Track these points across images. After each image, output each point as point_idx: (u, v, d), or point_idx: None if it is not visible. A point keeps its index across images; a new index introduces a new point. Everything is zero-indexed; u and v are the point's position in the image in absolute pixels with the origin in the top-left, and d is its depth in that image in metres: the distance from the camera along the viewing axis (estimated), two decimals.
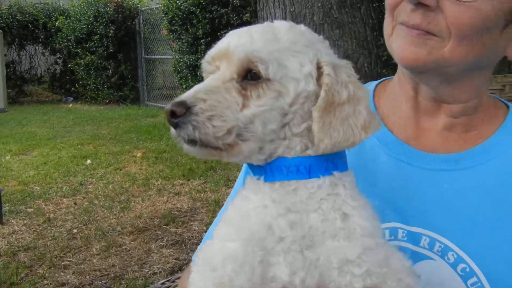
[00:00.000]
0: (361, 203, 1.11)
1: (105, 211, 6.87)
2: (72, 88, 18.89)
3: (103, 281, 5.01)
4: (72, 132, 12.59)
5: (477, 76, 1.42)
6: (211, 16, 11.89)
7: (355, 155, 1.27)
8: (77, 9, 17.60)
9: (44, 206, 7.08)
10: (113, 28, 16.54)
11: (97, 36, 16.70)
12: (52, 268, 5.28)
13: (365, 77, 4.15)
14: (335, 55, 1.18)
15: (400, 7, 1.37)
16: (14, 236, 6.10)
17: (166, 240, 5.91)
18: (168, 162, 9.18)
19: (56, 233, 6.17)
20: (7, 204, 7.09)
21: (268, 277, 1.06)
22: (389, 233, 1.41)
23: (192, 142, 1.07)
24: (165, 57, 16.62)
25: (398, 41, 1.37)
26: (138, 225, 6.34)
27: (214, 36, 11.50)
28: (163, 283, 2.07)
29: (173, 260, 5.43)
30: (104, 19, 16.59)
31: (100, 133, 12.29)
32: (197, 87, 1.08)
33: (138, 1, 17.76)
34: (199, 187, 7.73)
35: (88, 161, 9.38)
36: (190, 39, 12.65)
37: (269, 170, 1.12)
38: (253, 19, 10.69)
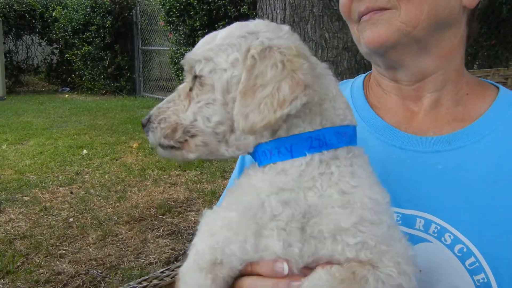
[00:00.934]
0: (364, 181, 1.10)
1: (101, 200, 6.87)
2: (69, 79, 18.87)
3: (99, 271, 5.01)
4: (68, 122, 12.56)
5: (448, 35, 1.45)
6: (208, 7, 11.85)
7: None
8: (74, 0, 17.53)
9: (40, 195, 7.08)
10: (110, 19, 16.49)
11: (94, 27, 16.64)
12: (48, 257, 5.28)
13: (364, 69, 4.16)
14: (296, 42, 1.16)
15: (352, 8, 1.45)
16: (10, 224, 6.10)
17: (162, 230, 5.91)
18: None
19: (52, 221, 6.17)
20: (3, 193, 7.09)
21: (260, 247, 1.08)
22: None
23: (159, 145, 1.22)
24: (162, 48, 16.59)
25: (363, 36, 1.43)
26: (135, 214, 6.34)
27: (211, 28, 11.46)
28: (162, 272, 2.07)
29: (169, 250, 5.44)
30: (101, 10, 16.53)
31: (96, 123, 12.26)
32: (164, 100, 1.25)
33: None
34: (195, 178, 7.73)
35: (84, 151, 9.36)
36: (187, 31, 12.61)
37: (257, 157, 1.17)
38: (251, 12, 10.69)
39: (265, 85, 1.05)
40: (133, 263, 5.19)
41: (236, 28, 1.18)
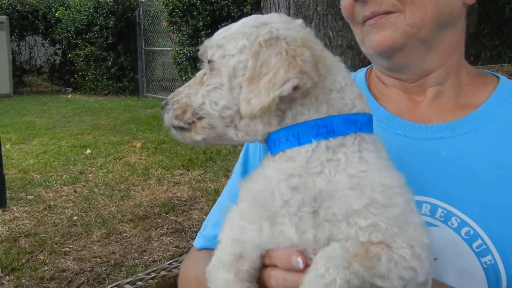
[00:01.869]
0: (373, 167, 1.10)
1: (105, 199, 6.89)
2: (72, 79, 18.87)
3: (103, 268, 5.04)
4: (71, 122, 12.59)
5: (450, 31, 1.49)
6: (211, 8, 11.87)
7: None
8: (77, 0, 17.53)
9: (44, 194, 7.11)
10: (113, 19, 16.51)
11: (97, 27, 16.66)
12: (52, 254, 5.32)
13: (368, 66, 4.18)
14: (306, 33, 1.18)
15: (356, 11, 1.48)
16: (15, 223, 6.13)
17: (166, 228, 5.94)
18: (168, 152, 9.20)
19: (57, 220, 6.20)
20: (7, 191, 7.11)
21: (275, 233, 1.10)
22: None
23: (172, 126, 1.26)
24: (165, 48, 16.58)
25: (370, 39, 1.46)
26: (138, 213, 6.36)
27: (214, 28, 11.44)
28: (170, 263, 2.10)
29: (173, 248, 5.46)
30: (104, 10, 16.55)
31: (99, 123, 12.30)
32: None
33: None
34: (199, 177, 7.75)
35: (88, 151, 9.40)
36: (190, 31, 12.63)
37: (269, 145, 1.19)
38: (254, 11, 10.70)
39: (268, 72, 1.08)
40: (137, 260, 5.21)
41: (251, 19, 1.21)
